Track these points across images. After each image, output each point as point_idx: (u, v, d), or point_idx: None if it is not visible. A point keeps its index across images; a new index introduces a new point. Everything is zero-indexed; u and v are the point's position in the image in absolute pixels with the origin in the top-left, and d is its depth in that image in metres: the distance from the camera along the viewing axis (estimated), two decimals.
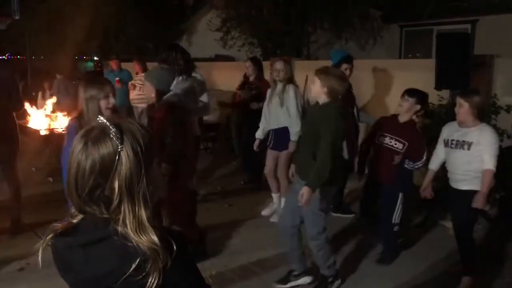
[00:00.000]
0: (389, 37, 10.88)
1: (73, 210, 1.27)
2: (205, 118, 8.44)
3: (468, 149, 3.53)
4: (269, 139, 4.98)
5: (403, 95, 4.06)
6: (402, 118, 4.06)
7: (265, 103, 5.02)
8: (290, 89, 4.74)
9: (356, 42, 10.29)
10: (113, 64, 8.92)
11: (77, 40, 13.26)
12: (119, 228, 1.17)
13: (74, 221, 1.26)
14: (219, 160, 7.61)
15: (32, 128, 6.43)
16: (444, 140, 3.73)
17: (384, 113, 5.07)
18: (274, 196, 5.15)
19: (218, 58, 11.69)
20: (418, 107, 4.03)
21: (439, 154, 3.82)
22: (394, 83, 6.56)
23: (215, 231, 4.59)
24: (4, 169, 4.56)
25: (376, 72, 6.88)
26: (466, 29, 10.01)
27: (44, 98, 7.88)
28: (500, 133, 5.44)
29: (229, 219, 5.07)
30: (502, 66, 5.83)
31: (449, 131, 3.73)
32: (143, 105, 5.79)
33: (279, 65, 4.74)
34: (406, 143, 3.94)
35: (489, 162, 3.45)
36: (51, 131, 6.29)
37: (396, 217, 3.99)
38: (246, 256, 4.13)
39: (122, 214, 1.17)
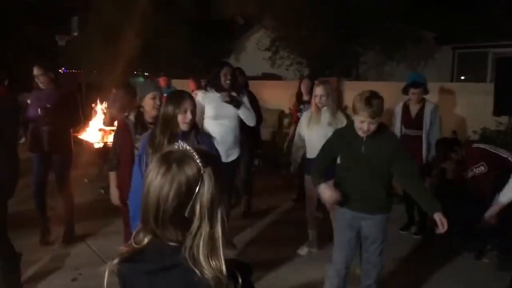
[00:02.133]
0: (441, 59, 10.64)
1: (139, 234, 1.26)
2: None
3: None
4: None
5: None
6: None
7: (302, 128, 4.60)
8: (342, 117, 4.42)
9: (408, 63, 10.11)
10: (161, 81, 9.15)
11: (130, 57, 13.74)
12: (190, 255, 1.16)
13: (139, 245, 1.25)
14: (265, 177, 7.59)
15: (86, 141, 6.67)
16: None
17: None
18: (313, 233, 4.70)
19: (266, 76, 11.79)
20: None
21: None
22: (450, 106, 6.39)
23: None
24: (57, 180, 4.70)
25: (431, 95, 6.72)
26: None
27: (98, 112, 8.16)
28: None
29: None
30: None
31: None
32: None
33: (319, 90, 4.35)
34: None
35: None
36: (105, 144, 6.49)
37: None
38: None
39: (198, 238, 1.17)
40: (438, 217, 2.93)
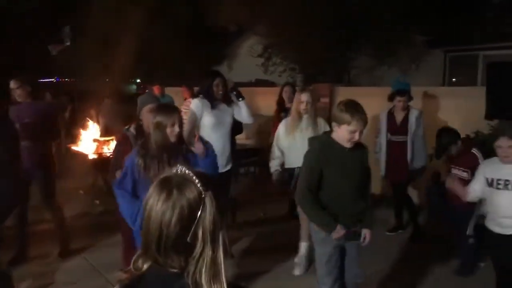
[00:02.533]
0: (433, 62, 10.71)
1: (139, 260, 1.24)
2: (246, 142, 8.50)
3: None
4: (294, 178, 4.26)
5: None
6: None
7: (280, 137, 4.47)
8: (323, 123, 4.40)
9: (399, 67, 10.17)
10: (156, 89, 9.14)
11: (123, 65, 13.74)
12: (192, 281, 1.16)
13: (139, 272, 1.23)
14: (262, 184, 7.58)
15: (81, 152, 6.65)
16: (487, 180, 3.36)
17: (431, 142, 4.99)
18: (305, 245, 4.48)
19: (259, 83, 11.81)
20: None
21: (477, 190, 3.52)
22: (441, 110, 6.43)
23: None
24: (42, 195, 4.59)
25: (422, 99, 6.77)
26: None
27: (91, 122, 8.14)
28: None
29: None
30: None
31: (492, 169, 3.37)
32: None
33: (305, 97, 4.28)
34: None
35: None
36: (100, 155, 6.48)
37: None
38: None
39: (200, 262, 1.16)
40: (367, 233, 3.08)
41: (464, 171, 4.24)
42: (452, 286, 4.15)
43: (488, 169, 3.39)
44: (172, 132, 2.89)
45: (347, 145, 2.94)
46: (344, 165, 2.97)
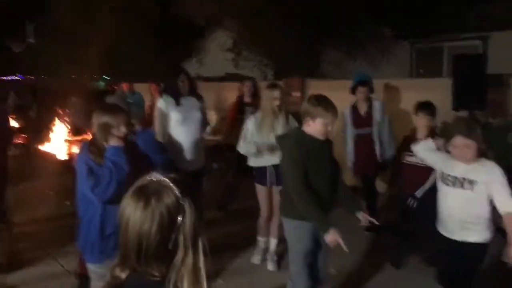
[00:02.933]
0: (400, 54, 10.90)
1: (116, 270, 1.21)
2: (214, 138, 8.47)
3: (471, 189, 2.92)
4: (270, 175, 4.33)
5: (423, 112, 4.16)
6: (421, 135, 4.08)
7: (250, 134, 4.35)
8: (292, 119, 4.38)
9: (367, 60, 10.30)
10: (124, 86, 9.01)
11: (89, 62, 13.46)
12: (174, 287, 1.14)
13: (116, 281, 1.20)
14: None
15: (49, 152, 6.50)
16: (441, 173, 3.10)
17: (400, 133, 5.07)
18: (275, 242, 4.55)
19: (229, 77, 11.76)
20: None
21: (427, 155, 3.32)
22: (408, 102, 6.56)
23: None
24: None
25: (389, 91, 6.89)
26: (477, 46, 10.03)
27: (60, 122, 7.96)
28: None
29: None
30: None
31: (446, 164, 3.10)
32: None
33: (278, 94, 4.25)
34: None
35: (509, 203, 2.86)
36: (69, 155, 6.35)
37: None
38: None
39: (182, 269, 1.15)
40: (362, 216, 3.18)
41: None
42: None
43: (444, 163, 3.10)
44: (118, 132, 2.81)
45: (322, 137, 3.04)
46: (319, 158, 3.06)
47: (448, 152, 3.07)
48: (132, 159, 2.76)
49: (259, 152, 4.25)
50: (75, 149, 6.52)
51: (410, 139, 4.17)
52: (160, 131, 4.33)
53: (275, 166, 4.09)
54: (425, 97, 6.20)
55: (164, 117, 4.34)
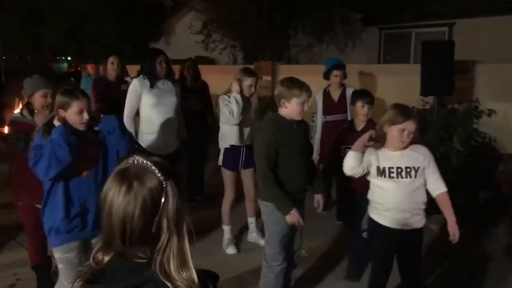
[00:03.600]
0: (368, 40, 11.01)
1: (98, 254, 1.21)
2: None
3: (415, 176, 2.84)
4: (243, 156, 4.33)
5: (363, 101, 3.78)
6: (360, 125, 3.82)
7: (232, 115, 4.17)
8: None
9: (337, 45, 10.38)
10: (89, 68, 8.80)
11: (52, 42, 13.03)
12: (161, 269, 1.14)
13: (99, 265, 1.20)
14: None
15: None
16: (379, 169, 2.89)
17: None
18: (253, 220, 4.61)
19: (198, 60, 11.61)
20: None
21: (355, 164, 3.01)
22: (377, 87, 6.65)
23: None
24: None
25: (358, 76, 6.96)
26: (444, 32, 10.24)
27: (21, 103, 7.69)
28: (482, 137, 5.62)
29: None
30: (483, 71, 6.00)
31: (385, 157, 2.90)
32: None
33: (252, 81, 4.24)
34: None
35: (443, 183, 2.90)
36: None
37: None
38: None
39: (167, 252, 1.15)
40: (319, 198, 3.29)
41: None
42: None
43: (380, 158, 2.90)
44: (81, 119, 2.72)
45: (298, 118, 3.10)
46: (295, 140, 3.12)
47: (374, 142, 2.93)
48: (89, 146, 2.74)
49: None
50: None
51: (348, 131, 3.88)
52: (128, 112, 4.22)
53: (248, 147, 4.25)
54: (395, 83, 6.35)
55: (136, 99, 4.22)
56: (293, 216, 2.98)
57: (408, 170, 2.83)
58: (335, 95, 5.24)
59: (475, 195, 5.46)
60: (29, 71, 8.43)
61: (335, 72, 5.13)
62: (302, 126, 3.21)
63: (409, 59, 10.52)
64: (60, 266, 2.78)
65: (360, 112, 3.79)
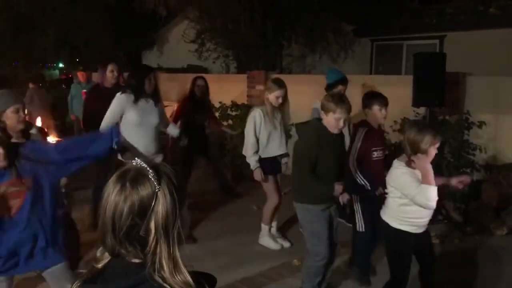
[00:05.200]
0: (360, 51, 11.11)
1: (98, 253, 1.25)
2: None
3: None
4: (277, 164, 4.72)
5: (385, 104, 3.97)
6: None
7: (258, 128, 4.53)
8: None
9: (329, 56, 10.45)
10: (80, 76, 8.79)
11: (44, 49, 12.98)
12: (155, 272, 1.16)
13: (99, 265, 1.24)
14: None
15: None
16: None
17: None
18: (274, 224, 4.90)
19: (191, 68, 11.64)
20: None
21: None
22: None
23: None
24: None
25: (353, 87, 6.99)
26: (435, 45, 10.38)
27: None
28: (473, 148, 5.68)
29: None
30: (473, 83, 6.08)
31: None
32: None
33: (281, 92, 4.50)
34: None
35: None
36: None
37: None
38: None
39: (158, 255, 1.17)
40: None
41: (381, 150, 4.00)
42: None
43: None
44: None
45: (334, 131, 3.35)
46: (330, 149, 3.39)
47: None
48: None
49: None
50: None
51: (372, 133, 3.97)
52: (107, 122, 4.09)
53: (280, 156, 4.71)
54: (387, 94, 6.39)
55: (118, 113, 4.15)
56: (338, 189, 3.31)
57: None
58: None
59: (466, 206, 5.50)
60: (20, 77, 8.45)
61: (341, 86, 5.07)
62: (339, 136, 3.48)
63: (400, 71, 10.63)
64: None
65: (378, 115, 3.93)
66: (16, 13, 12.29)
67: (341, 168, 3.56)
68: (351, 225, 4.59)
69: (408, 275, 3.15)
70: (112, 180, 1.23)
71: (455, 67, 6.00)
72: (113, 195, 1.20)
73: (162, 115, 4.44)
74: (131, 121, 4.13)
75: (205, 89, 6.03)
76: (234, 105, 7.96)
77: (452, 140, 5.65)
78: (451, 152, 5.66)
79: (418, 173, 2.91)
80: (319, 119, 3.47)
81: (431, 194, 2.81)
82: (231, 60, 10.67)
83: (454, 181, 3.27)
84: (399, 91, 5.99)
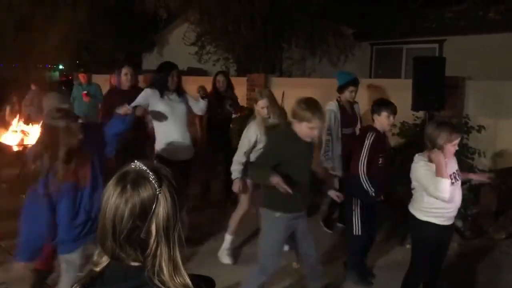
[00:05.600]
0: (360, 54, 11.13)
1: (96, 257, 1.24)
2: None
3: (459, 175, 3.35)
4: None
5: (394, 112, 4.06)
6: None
7: (253, 140, 4.26)
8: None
9: (329, 59, 10.47)
10: (81, 77, 8.79)
11: (45, 50, 12.98)
12: (155, 275, 1.16)
13: (98, 269, 1.23)
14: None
15: (4, 144, 6.22)
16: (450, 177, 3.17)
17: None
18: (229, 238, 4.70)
19: (191, 71, 11.65)
20: None
21: None
22: (369, 102, 6.70)
23: None
24: None
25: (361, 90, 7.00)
26: (434, 49, 10.39)
27: (12, 112, 7.59)
28: (472, 152, 5.68)
29: None
30: (473, 88, 6.08)
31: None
32: None
33: (264, 102, 4.22)
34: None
35: None
36: (25, 146, 6.09)
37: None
38: None
39: (158, 258, 1.17)
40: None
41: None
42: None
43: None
44: None
45: (307, 139, 3.21)
46: (299, 157, 3.22)
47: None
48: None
49: None
50: (29, 140, 6.26)
51: (380, 139, 4.08)
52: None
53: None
54: (386, 97, 6.39)
55: (143, 101, 4.40)
56: (275, 179, 2.97)
57: (456, 174, 3.29)
58: (349, 108, 5.26)
59: (465, 210, 5.50)
60: (20, 78, 8.43)
61: (352, 87, 5.12)
62: (309, 145, 3.31)
63: (400, 74, 10.64)
64: (66, 268, 2.94)
65: (386, 122, 3.99)
66: (17, 15, 12.29)
67: (312, 175, 3.40)
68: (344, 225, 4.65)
69: (428, 266, 3.35)
70: (111, 182, 1.22)
71: (454, 71, 6.00)
72: (113, 198, 1.19)
73: (189, 103, 4.63)
74: (160, 112, 4.37)
75: (226, 84, 6.17)
76: None
77: None
78: None
79: (434, 166, 3.13)
80: (290, 124, 3.29)
81: (443, 186, 3.04)
82: (231, 63, 10.68)
83: (474, 176, 3.79)
84: (398, 95, 6.00)
